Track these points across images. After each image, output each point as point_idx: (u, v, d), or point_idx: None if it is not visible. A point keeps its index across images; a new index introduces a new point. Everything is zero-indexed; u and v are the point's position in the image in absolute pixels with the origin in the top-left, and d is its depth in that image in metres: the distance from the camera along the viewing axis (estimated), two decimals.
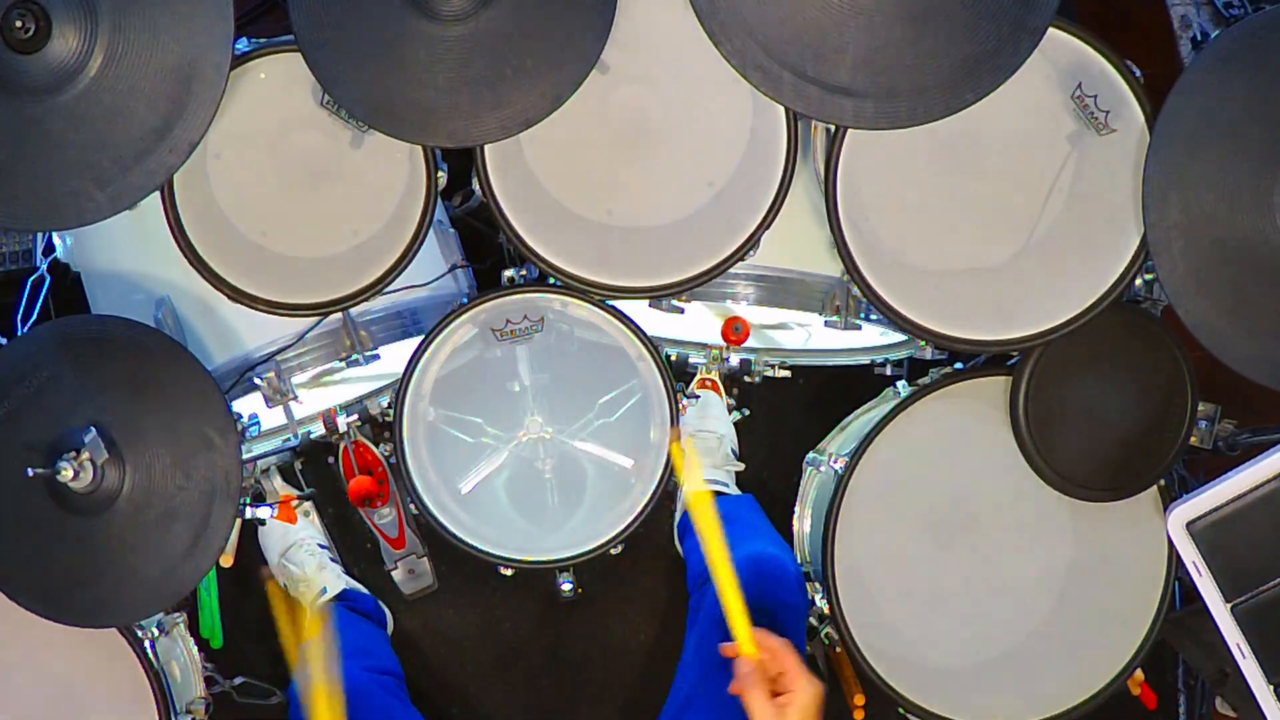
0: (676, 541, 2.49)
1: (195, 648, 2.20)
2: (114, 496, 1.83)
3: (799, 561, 2.36)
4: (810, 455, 2.40)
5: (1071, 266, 1.98)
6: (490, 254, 2.42)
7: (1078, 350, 2.02)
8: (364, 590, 2.49)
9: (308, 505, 2.51)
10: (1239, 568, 1.90)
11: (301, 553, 2.45)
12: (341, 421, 2.36)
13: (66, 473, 1.76)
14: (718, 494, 2.44)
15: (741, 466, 2.52)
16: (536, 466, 2.19)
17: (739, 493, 2.49)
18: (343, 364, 2.13)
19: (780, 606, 2.07)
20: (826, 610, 2.15)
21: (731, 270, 2.05)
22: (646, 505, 2.15)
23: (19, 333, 2.22)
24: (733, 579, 1.65)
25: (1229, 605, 1.91)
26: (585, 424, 2.18)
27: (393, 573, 2.51)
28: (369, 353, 2.12)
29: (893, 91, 1.78)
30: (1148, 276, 1.99)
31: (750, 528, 2.33)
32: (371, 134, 1.95)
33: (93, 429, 1.81)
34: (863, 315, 2.15)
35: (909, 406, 2.11)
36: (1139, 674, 2.16)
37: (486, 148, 1.96)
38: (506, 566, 2.17)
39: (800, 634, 2.10)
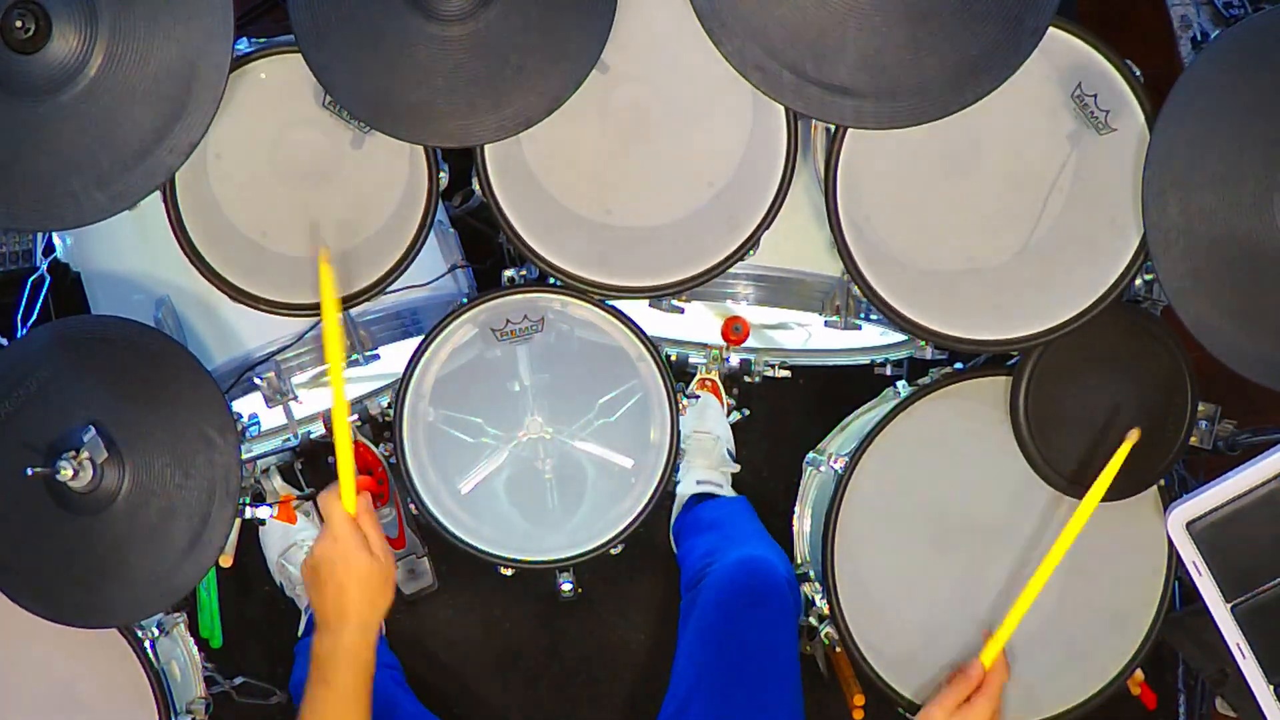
0: (672, 545, 2.50)
1: (195, 648, 2.20)
2: (113, 496, 1.83)
3: (799, 561, 2.36)
4: (810, 455, 2.40)
5: (1072, 266, 1.98)
6: (490, 254, 2.42)
7: (1078, 350, 2.02)
8: None
9: (308, 505, 2.51)
10: (1239, 568, 1.90)
11: (301, 554, 2.45)
12: None
13: (66, 472, 1.76)
14: (711, 495, 2.44)
15: (737, 468, 2.52)
16: (536, 466, 2.19)
17: (733, 494, 2.49)
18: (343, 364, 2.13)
19: (769, 608, 2.08)
20: (826, 610, 2.15)
21: (731, 270, 2.05)
22: (646, 505, 2.15)
23: (19, 333, 2.23)
24: None
25: (1229, 605, 1.91)
26: (585, 424, 2.18)
27: None
28: (369, 353, 2.12)
29: (893, 91, 1.78)
30: (1148, 276, 1.99)
31: (741, 530, 2.33)
32: (371, 134, 1.95)
33: (91, 428, 1.81)
34: (863, 315, 2.15)
35: (909, 406, 2.11)
36: (1139, 674, 2.16)
37: (486, 148, 1.96)
38: (506, 566, 2.17)
39: (792, 635, 2.10)
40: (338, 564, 1.60)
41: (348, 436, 1.70)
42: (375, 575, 1.61)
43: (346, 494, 1.64)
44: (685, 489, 2.45)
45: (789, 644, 2.10)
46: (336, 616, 1.60)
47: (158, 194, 1.89)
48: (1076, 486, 2.06)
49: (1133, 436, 1.87)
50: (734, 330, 2.26)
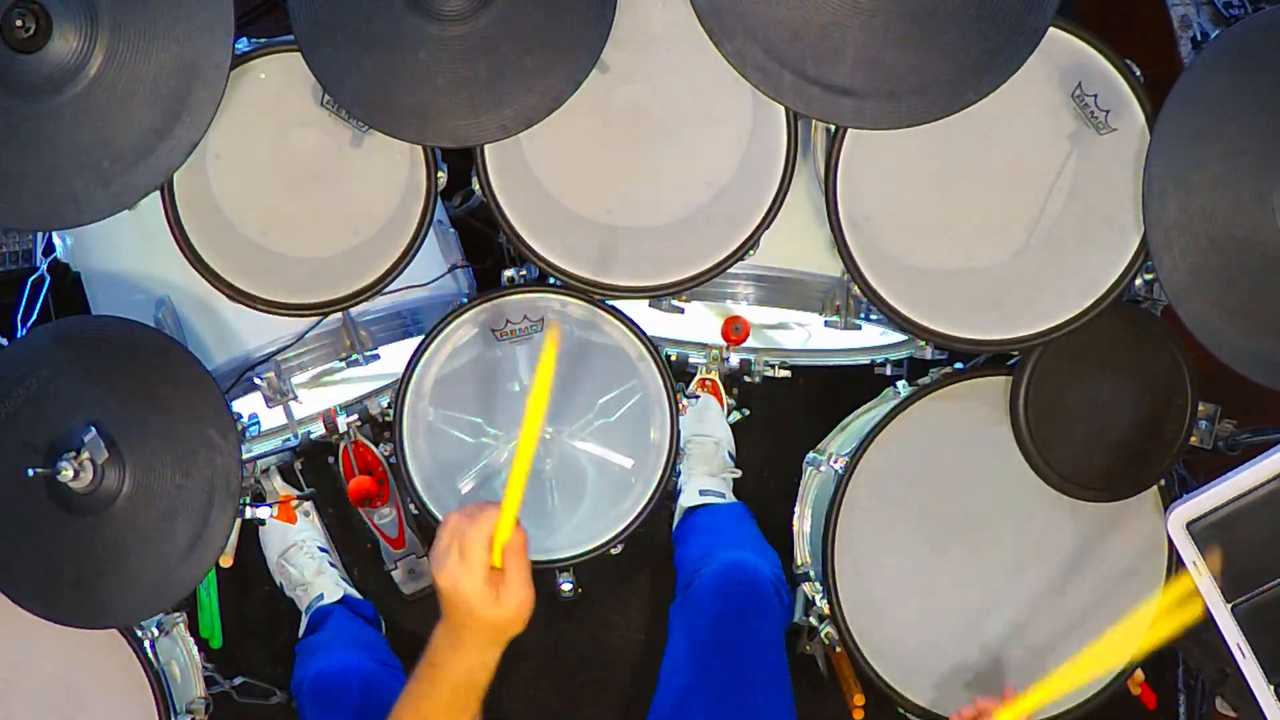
0: (673, 548, 2.49)
1: (195, 648, 2.20)
2: (114, 496, 1.83)
3: (799, 561, 2.36)
4: (810, 455, 2.40)
5: (1071, 267, 1.98)
6: (490, 254, 2.42)
7: (1078, 350, 2.02)
8: (360, 596, 2.49)
9: (308, 505, 2.51)
10: (1239, 568, 1.90)
11: (301, 555, 2.45)
12: (341, 421, 2.35)
13: (66, 472, 1.76)
14: (710, 505, 2.44)
15: (739, 474, 2.51)
16: (536, 466, 2.19)
17: (733, 500, 2.49)
18: (343, 364, 2.13)
19: (755, 610, 2.08)
20: (826, 610, 2.15)
21: (731, 270, 2.05)
22: (646, 505, 2.15)
23: (19, 333, 2.22)
24: None
25: (1229, 605, 1.90)
26: (585, 424, 2.18)
27: (393, 573, 2.51)
28: (369, 353, 2.12)
29: (893, 91, 1.78)
30: (1148, 276, 1.99)
31: (733, 535, 2.33)
32: (371, 134, 1.95)
33: (92, 428, 1.81)
34: (863, 315, 2.15)
35: (909, 406, 2.11)
36: (1139, 674, 2.16)
37: (486, 148, 1.96)
38: None
39: (777, 640, 2.10)
40: (460, 606, 1.50)
41: (523, 478, 1.44)
42: (501, 619, 1.52)
43: (502, 531, 1.43)
44: (687, 500, 2.44)
45: (776, 643, 2.10)
46: (457, 638, 1.52)
47: (158, 193, 1.89)
48: (1075, 486, 2.07)
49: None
50: (734, 330, 2.26)
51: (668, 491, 2.23)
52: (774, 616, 2.11)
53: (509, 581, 1.42)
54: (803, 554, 2.38)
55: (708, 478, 2.47)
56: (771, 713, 2.04)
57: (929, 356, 2.21)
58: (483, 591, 1.42)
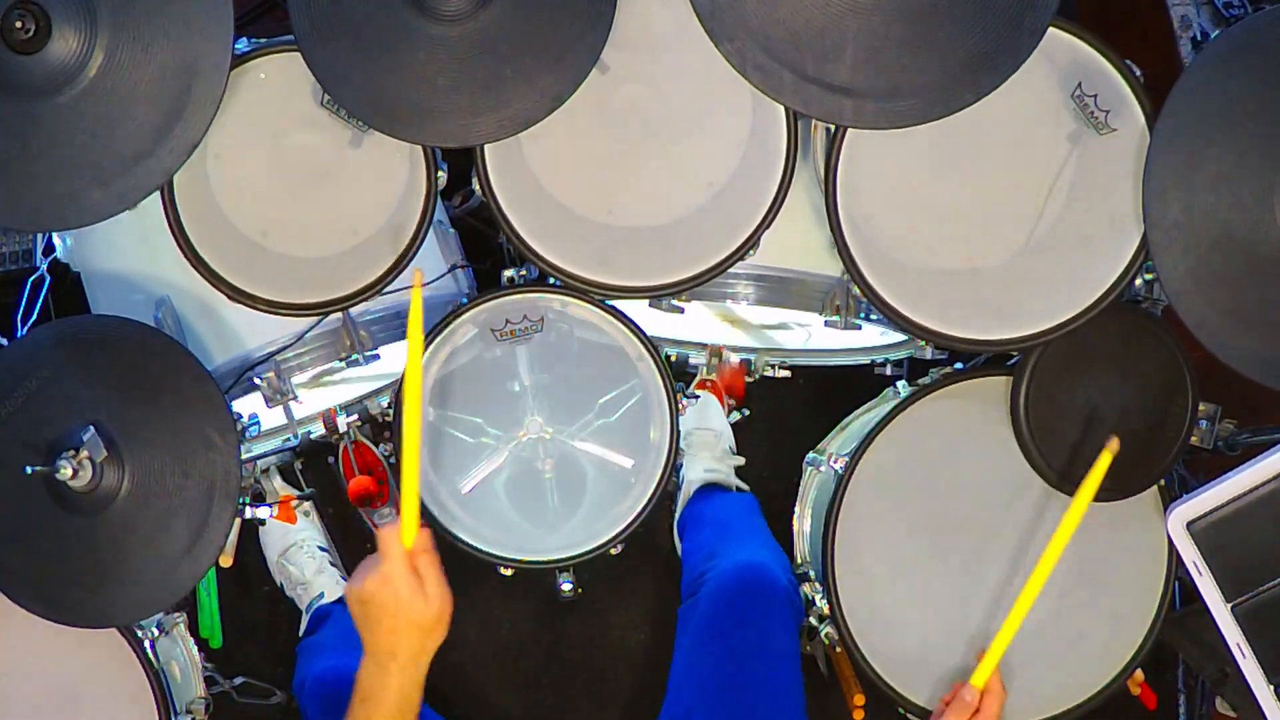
0: (676, 539, 2.50)
1: (195, 648, 2.20)
2: (113, 496, 1.83)
3: (799, 561, 2.36)
4: (810, 455, 2.40)
5: (1071, 266, 1.98)
6: (490, 254, 2.42)
7: (1078, 350, 2.02)
8: None
9: (308, 505, 2.51)
10: (1239, 568, 1.90)
11: (301, 554, 2.45)
12: (341, 421, 2.36)
13: (65, 471, 1.76)
14: (719, 485, 2.44)
15: (742, 461, 2.52)
16: (536, 466, 2.19)
17: (742, 486, 2.49)
18: (343, 364, 2.13)
19: (769, 616, 2.07)
20: (826, 610, 2.15)
21: (731, 270, 2.05)
22: (646, 505, 2.15)
23: (19, 333, 2.23)
24: None
25: (1229, 605, 1.91)
26: (585, 424, 2.18)
27: None
28: (369, 353, 2.12)
29: (893, 91, 1.78)
30: (1148, 276, 1.99)
31: (745, 532, 2.32)
32: (371, 134, 1.95)
33: (91, 428, 1.81)
34: (863, 315, 2.15)
35: (909, 406, 2.11)
36: (1139, 674, 2.16)
37: (486, 148, 1.96)
38: (506, 566, 2.17)
39: (793, 641, 2.10)
40: (388, 607, 1.52)
41: (415, 473, 1.55)
42: (428, 618, 1.53)
43: (408, 531, 1.52)
44: (693, 476, 2.45)
45: (790, 651, 2.08)
46: (386, 655, 1.53)
47: (158, 193, 1.89)
48: (1076, 486, 2.06)
49: (1112, 447, 1.68)
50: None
51: (668, 491, 2.23)
52: (787, 621, 2.09)
53: (427, 579, 1.50)
54: (803, 554, 2.38)
55: (713, 460, 2.47)
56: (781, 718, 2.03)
57: (929, 356, 2.21)
58: (411, 583, 1.47)
